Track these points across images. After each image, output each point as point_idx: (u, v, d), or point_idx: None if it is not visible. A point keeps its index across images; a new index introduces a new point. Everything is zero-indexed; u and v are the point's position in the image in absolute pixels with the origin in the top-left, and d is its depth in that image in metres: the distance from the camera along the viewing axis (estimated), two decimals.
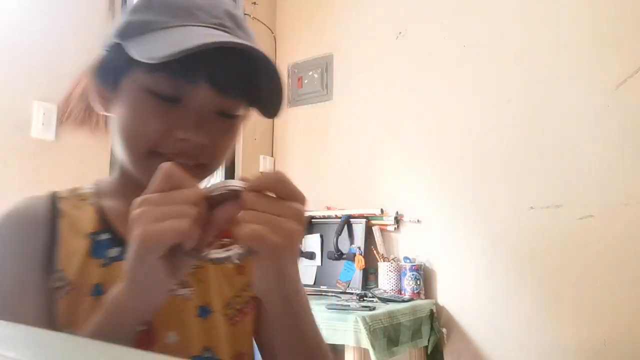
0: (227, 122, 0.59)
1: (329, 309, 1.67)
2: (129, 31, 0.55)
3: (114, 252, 0.57)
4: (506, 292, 1.94)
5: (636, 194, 1.72)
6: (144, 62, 0.50)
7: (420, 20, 2.28)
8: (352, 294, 2.03)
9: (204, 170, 0.59)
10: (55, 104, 1.75)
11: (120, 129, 0.57)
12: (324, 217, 2.35)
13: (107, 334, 0.45)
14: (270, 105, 0.59)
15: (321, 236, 2.30)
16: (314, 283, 2.26)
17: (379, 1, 2.43)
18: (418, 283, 2.02)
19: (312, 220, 2.37)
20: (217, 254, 0.45)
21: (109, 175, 0.66)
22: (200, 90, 0.55)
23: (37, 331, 0.30)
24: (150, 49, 0.51)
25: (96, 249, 0.56)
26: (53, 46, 1.77)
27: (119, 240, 0.57)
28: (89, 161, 1.86)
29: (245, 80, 0.56)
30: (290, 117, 2.65)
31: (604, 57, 1.83)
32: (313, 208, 2.44)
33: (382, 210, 2.23)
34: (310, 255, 2.30)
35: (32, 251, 0.55)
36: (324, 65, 2.56)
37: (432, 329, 1.92)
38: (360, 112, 2.41)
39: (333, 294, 2.05)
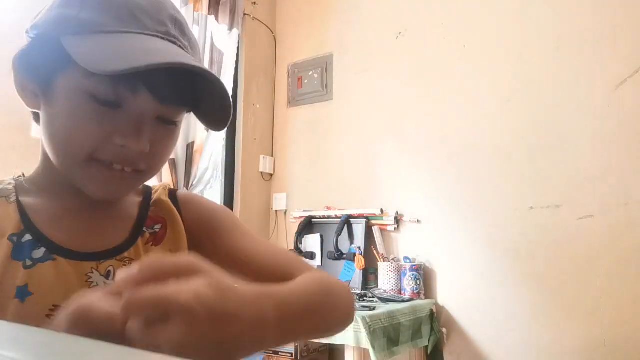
0: (167, 129, 0.58)
1: None
2: (63, 26, 0.52)
3: (38, 253, 0.54)
4: (506, 292, 1.94)
5: (636, 194, 1.72)
6: (80, 67, 0.48)
7: (420, 20, 2.28)
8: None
9: (142, 175, 0.58)
10: None
11: (54, 131, 0.54)
12: (324, 217, 2.35)
13: None
14: (215, 118, 0.59)
15: (321, 236, 2.30)
16: None
17: (379, 1, 2.43)
18: (418, 283, 2.02)
19: (312, 220, 2.37)
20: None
21: (34, 170, 0.62)
22: (141, 97, 0.53)
23: (37, 331, 0.30)
24: (96, 58, 0.48)
25: (18, 252, 0.53)
26: None
27: (43, 241, 0.55)
28: None
29: (187, 90, 0.56)
30: (290, 117, 2.65)
31: (604, 57, 1.83)
32: (313, 208, 2.44)
33: (382, 210, 2.23)
34: (310, 255, 2.30)
35: None
36: (324, 65, 2.56)
37: (432, 329, 1.92)
38: (360, 112, 2.41)
39: None
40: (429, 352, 1.90)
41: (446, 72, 2.18)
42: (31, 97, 0.57)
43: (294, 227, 2.40)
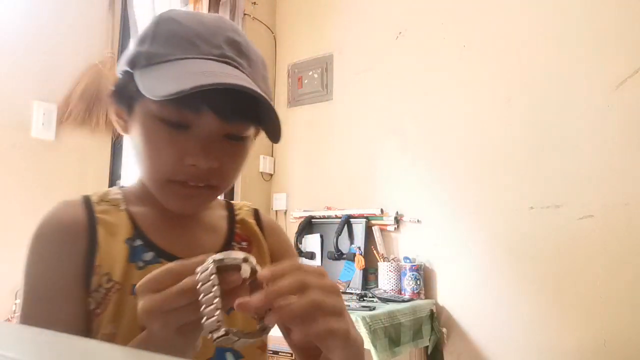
0: (235, 145, 0.62)
1: None
2: (137, 61, 0.59)
3: (148, 256, 0.61)
4: (506, 292, 1.94)
5: (636, 194, 1.72)
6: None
7: (420, 20, 2.28)
8: (352, 294, 2.03)
9: (214, 190, 0.63)
10: (56, 104, 1.76)
11: (137, 155, 0.62)
12: (324, 217, 2.36)
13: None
14: (273, 129, 0.62)
15: (321, 236, 2.30)
16: None
17: (379, 1, 2.43)
18: (418, 283, 2.02)
19: (312, 220, 2.37)
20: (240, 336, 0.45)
21: (131, 184, 0.70)
22: (205, 118, 0.57)
23: (37, 331, 0.30)
24: (153, 85, 0.54)
25: (133, 254, 0.61)
26: (53, 46, 1.77)
27: (151, 246, 0.62)
28: (89, 161, 1.86)
29: (249, 107, 0.59)
30: (290, 117, 2.65)
31: (604, 57, 1.83)
32: (313, 208, 2.44)
33: (382, 210, 2.23)
34: (310, 255, 2.30)
35: (71, 258, 0.58)
36: (324, 65, 2.56)
37: (432, 329, 1.92)
38: (360, 112, 2.41)
39: None
40: (429, 352, 1.90)
41: (446, 72, 2.18)
42: (122, 124, 0.65)
43: (294, 227, 2.40)
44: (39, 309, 0.57)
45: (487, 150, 2.04)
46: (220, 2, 2.35)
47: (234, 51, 0.60)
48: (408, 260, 2.08)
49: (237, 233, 0.71)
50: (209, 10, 2.29)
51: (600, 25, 1.85)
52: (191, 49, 0.57)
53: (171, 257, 0.61)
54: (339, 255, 2.17)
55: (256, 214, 0.77)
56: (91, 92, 1.80)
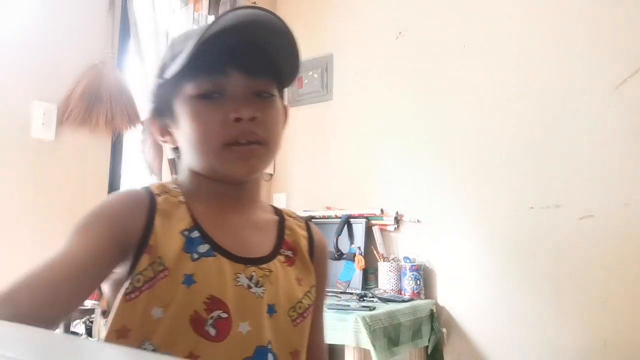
0: (266, 100, 0.68)
1: (329, 309, 1.67)
2: (164, 66, 0.68)
3: (203, 248, 0.64)
4: (506, 292, 1.94)
5: (636, 193, 1.72)
6: (185, 78, 0.64)
7: (420, 20, 2.28)
8: (352, 294, 2.03)
9: (266, 147, 0.67)
10: (56, 104, 1.76)
11: (190, 141, 0.66)
12: (324, 217, 2.36)
13: None
14: (289, 73, 0.72)
15: None
16: None
17: (379, 1, 2.43)
18: (418, 283, 2.02)
19: (312, 220, 2.37)
20: None
21: (177, 179, 0.74)
22: (234, 78, 0.65)
23: (37, 331, 0.30)
24: (176, 66, 0.62)
25: (189, 245, 0.63)
26: (53, 46, 1.77)
27: (207, 238, 0.65)
28: (89, 161, 1.86)
29: (266, 59, 0.67)
30: (290, 117, 2.64)
31: (604, 57, 1.83)
32: (313, 208, 2.44)
33: (382, 210, 2.23)
34: None
35: (127, 228, 0.61)
36: (324, 65, 2.56)
37: (432, 329, 1.92)
38: (360, 112, 2.41)
39: (333, 294, 2.05)
40: (429, 352, 1.90)
41: (446, 72, 2.18)
42: (167, 135, 0.71)
43: None
44: (58, 267, 0.55)
45: (487, 150, 2.04)
46: (220, 2, 2.35)
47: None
48: (408, 260, 2.08)
49: (285, 240, 0.74)
50: (209, 10, 2.29)
51: (600, 25, 1.85)
52: (202, 30, 0.62)
53: (225, 252, 0.65)
54: (339, 255, 2.17)
55: (307, 226, 0.80)
56: (91, 92, 1.80)
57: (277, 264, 0.70)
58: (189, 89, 0.65)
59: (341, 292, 2.08)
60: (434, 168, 2.16)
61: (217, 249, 0.64)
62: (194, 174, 0.70)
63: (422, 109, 2.22)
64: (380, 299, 1.88)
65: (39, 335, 0.30)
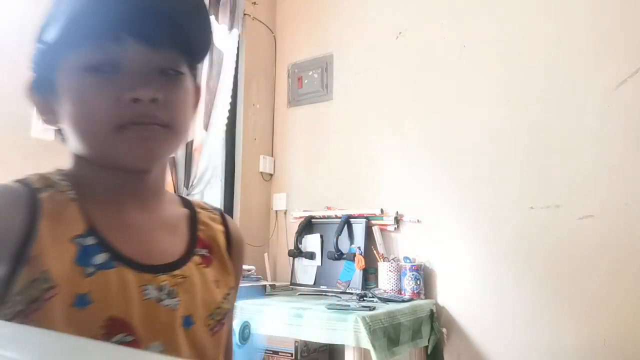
0: (172, 79, 0.56)
1: (329, 309, 1.67)
2: (45, 27, 0.54)
3: (100, 258, 0.52)
4: (506, 292, 1.94)
5: (636, 193, 1.72)
6: (69, 45, 0.51)
7: (420, 20, 2.28)
8: (352, 294, 2.03)
9: (169, 130, 0.55)
10: None
11: (74, 119, 0.54)
12: (324, 217, 2.35)
13: None
14: (198, 49, 0.58)
15: (321, 236, 2.30)
16: (314, 283, 2.26)
17: (379, 1, 2.43)
18: (418, 283, 2.02)
19: (312, 220, 2.37)
20: None
21: (69, 169, 0.60)
22: (130, 49, 0.53)
23: (37, 331, 0.30)
24: (53, 29, 0.51)
25: (82, 256, 0.51)
26: None
27: (105, 245, 0.53)
28: None
29: (169, 26, 0.55)
30: (290, 117, 2.65)
31: (604, 57, 1.83)
32: (313, 208, 2.44)
33: (382, 210, 2.23)
34: (310, 255, 2.30)
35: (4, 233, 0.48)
36: (324, 65, 2.56)
37: (432, 329, 1.92)
38: (360, 112, 2.41)
39: (333, 294, 2.05)
40: (429, 352, 1.90)
41: (446, 72, 2.18)
42: (52, 117, 0.58)
43: (294, 227, 2.40)
44: None
45: (487, 150, 2.04)
46: (220, 2, 2.35)
47: None
48: (408, 260, 2.08)
49: (199, 237, 0.64)
50: (209, 10, 2.29)
51: (600, 25, 1.85)
52: None
53: (128, 261, 0.53)
54: (339, 255, 2.17)
55: (223, 219, 0.69)
56: None
57: (191, 267, 0.60)
58: (74, 58, 0.52)
59: (341, 292, 2.08)
60: (434, 168, 2.16)
61: (117, 257, 0.53)
62: (83, 162, 0.57)
63: (422, 109, 2.22)
64: (380, 299, 1.88)
65: (39, 335, 0.30)
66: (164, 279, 0.56)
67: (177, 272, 0.58)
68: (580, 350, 1.77)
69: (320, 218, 2.36)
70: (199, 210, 0.67)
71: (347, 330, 1.56)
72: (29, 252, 0.48)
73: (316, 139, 2.54)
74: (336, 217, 2.30)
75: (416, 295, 2.01)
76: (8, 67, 1.66)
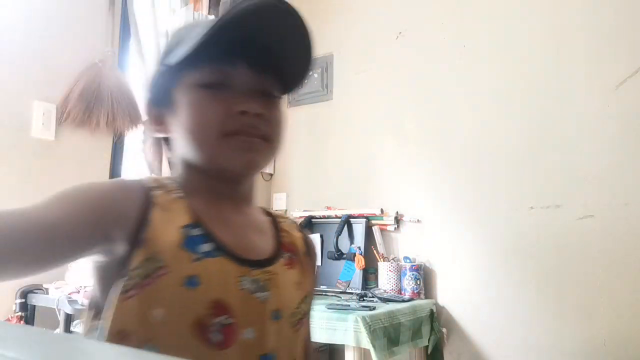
0: (272, 101, 0.66)
1: (329, 309, 1.67)
2: (167, 53, 0.65)
3: (206, 247, 0.58)
4: (506, 292, 1.94)
5: (636, 193, 1.72)
6: (189, 66, 0.61)
7: (420, 20, 2.28)
8: (352, 293, 2.03)
9: (269, 144, 0.64)
10: (55, 104, 1.76)
11: (186, 130, 0.63)
12: (324, 217, 2.36)
13: None
14: (295, 79, 0.68)
15: (321, 236, 2.30)
16: None
17: (379, 1, 2.43)
18: (418, 283, 2.02)
19: (312, 220, 2.37)
20: None
21: (177, 175, 0.68)
22: (241, 71, 0.63)
23: (37, 331, 0.30)
24: (182, 52, 0.59)
25: (189, 242, 0.58)
26: (53, 46, 1.77)
27: (210, 236, 0.60)
28: (89, 161, 1.86)
29: (276, 58, 0.64)
30: (291, 117, 2.65)
31: (604, 57, 1.83)
32: (313, 208, 2.44)
33: (382, 210, 2.23)
34: None
35: (113, 215, 0.55)
36: (324, 65, 2.56)
37: (432, 328, 1.92)
38: (360, 112, 2.41)
39: (333, 294, 2.05)
40: (429, 352, 1.90)
41: (446, 72, 2.18)
42: (163, 128, 0.67)
43: None
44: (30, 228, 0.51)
45: (487, 150, 2.04)
46: (221, 2, 2.35)
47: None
48: (408, 260, 2.08)
49: (283, 242, 0.70)
50: (209, 10, 2.29)
51: (599, 25, 1.85)
52: (218, 17, 0.60)
53: (229, 253, 0.60)
54: (339, 255, 2.17)
55: (300, 228, 0.77)
56: (91, 91, 1.79)
57: (279, 266, 0.66)
58: (193, 77, 0.62)
59: (341, 292, 2.08)
60: (434, 168, 2.16)
61: (220, 248, 0.59)
62: (189, 170, 0.66)
63: (422, 109, 2.22)
64: (380, 298, 1.88)
65: (39, 335, 0.30)
66: (258, 274, 0.62)
67: (269, 268, 0.64)
68: (580, 350, 1.77)
69: (320, 218, 2.36)
70: (280, 219, 0.75)
71: (347, 330, 1.56)
72: (143, 236, 0.55)
73: (316, 139, 2.54)
74: (336, 217, 2.30)
75: (416, 295, 2.01)
76: (8, 68, 1.66)
